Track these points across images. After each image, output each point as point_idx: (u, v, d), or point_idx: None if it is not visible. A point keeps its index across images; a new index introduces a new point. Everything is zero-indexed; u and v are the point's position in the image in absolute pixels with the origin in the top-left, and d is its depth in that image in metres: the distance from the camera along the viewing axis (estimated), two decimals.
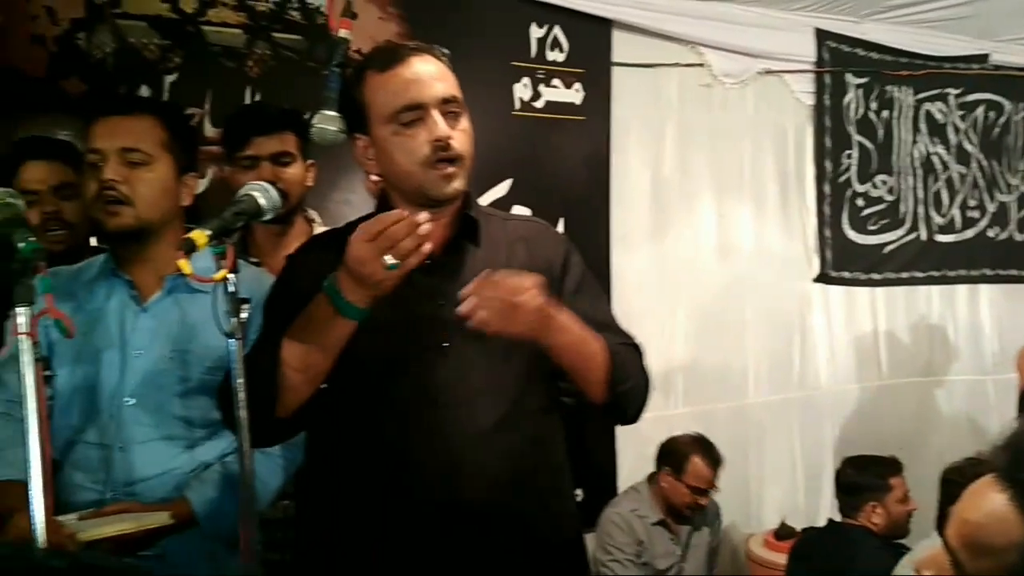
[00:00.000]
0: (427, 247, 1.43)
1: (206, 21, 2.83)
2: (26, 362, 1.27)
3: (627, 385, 1.65)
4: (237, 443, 1.41)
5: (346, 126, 1.62)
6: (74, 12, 2.64)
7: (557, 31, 3.49)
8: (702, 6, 3.68)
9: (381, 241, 1.41)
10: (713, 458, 3.34)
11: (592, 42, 3.57)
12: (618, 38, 3.61)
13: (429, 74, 1.56)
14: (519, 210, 3.31)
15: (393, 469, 1.61)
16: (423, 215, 1.43)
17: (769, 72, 3.95)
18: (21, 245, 1.33)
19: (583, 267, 1.75)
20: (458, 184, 1.58)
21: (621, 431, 3.66)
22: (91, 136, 1.80)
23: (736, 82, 3.87)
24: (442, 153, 1.54)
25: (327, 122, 1.56)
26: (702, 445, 3.35)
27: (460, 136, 1.57)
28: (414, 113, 1.54)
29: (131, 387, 1.82)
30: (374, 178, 1.64)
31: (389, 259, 1.40)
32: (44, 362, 1.32)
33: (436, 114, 1.54)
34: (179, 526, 1.75)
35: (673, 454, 3.36)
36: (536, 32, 3.45)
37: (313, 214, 2.39)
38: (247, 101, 2.87)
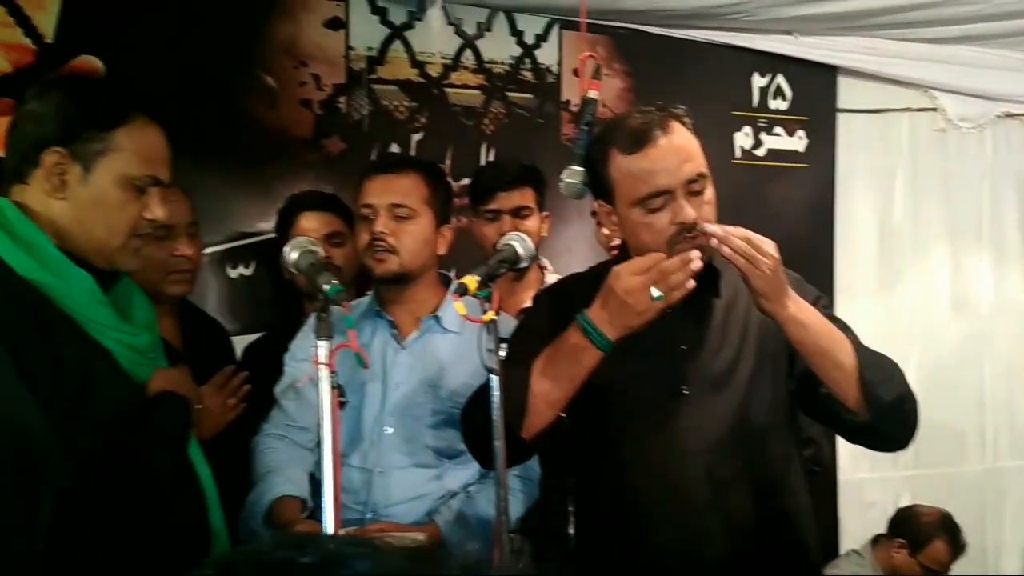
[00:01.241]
0: (691, 284, 1.50)
1: (449, 84, 3.08)
2: (324, 389, 1.45)
3: (884, 386, 1.58)
4: (496, 470, 1.53)
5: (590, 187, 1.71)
6: (336, 79, 2.96)
7: (780, 79, 3.49)
8: (935, 49, 3.55)
9: (653, 273, 1.49)
10: (958, 545, 3.11)
11: (816, 89, 3.54)
12: (844, 84, 3.56)
13: (675, 156, 1.57)
14: None
15: (629, 516, 1.67)
16: (695, 252, 1.50)
17: (1010, 115, 3.74)
18: (326, 287, 1.53)
19: (829, 312, 1.75)
20: (702, 258, 1.62)
21: (844, 490, 3.52)
22: (364, 192, 2.03)
23: (973, 126, 3.70)
24: (687, 235, 1.58)
25: (575, 177, 1.68)
26: (949, 528, 3.13)
27: (705, 210, 1.60)
28: (661, 199, 1.58)
29: (390, 417, 2.00)
30: (606, 231, 1.73)
31: (655, 291, 1.48)
32: (339, 390, 1.49)
33: (681, 198, 1.57)
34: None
35: (914, 529, 3.15)
36: (759, 81, 3.47)
37: (545, 262, 2.54)
38: (483, 156, 3.09)
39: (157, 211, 1.47)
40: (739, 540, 1.62)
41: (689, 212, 1.57)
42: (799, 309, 1.56)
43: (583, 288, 1.63)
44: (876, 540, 3.26)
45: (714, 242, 1.52)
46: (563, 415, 1.63)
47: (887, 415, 1.59)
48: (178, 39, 2.71)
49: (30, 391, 1.26)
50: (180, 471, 1.52)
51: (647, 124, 1.59)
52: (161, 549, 1.38)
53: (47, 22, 2.61)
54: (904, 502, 3.49)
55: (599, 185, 1.65)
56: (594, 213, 2.50)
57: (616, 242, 1.97)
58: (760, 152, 3.48)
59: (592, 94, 1.71)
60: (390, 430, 1.99)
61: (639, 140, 1.58)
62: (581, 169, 1.69)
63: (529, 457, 1.78)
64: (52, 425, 1.27)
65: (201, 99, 2.69)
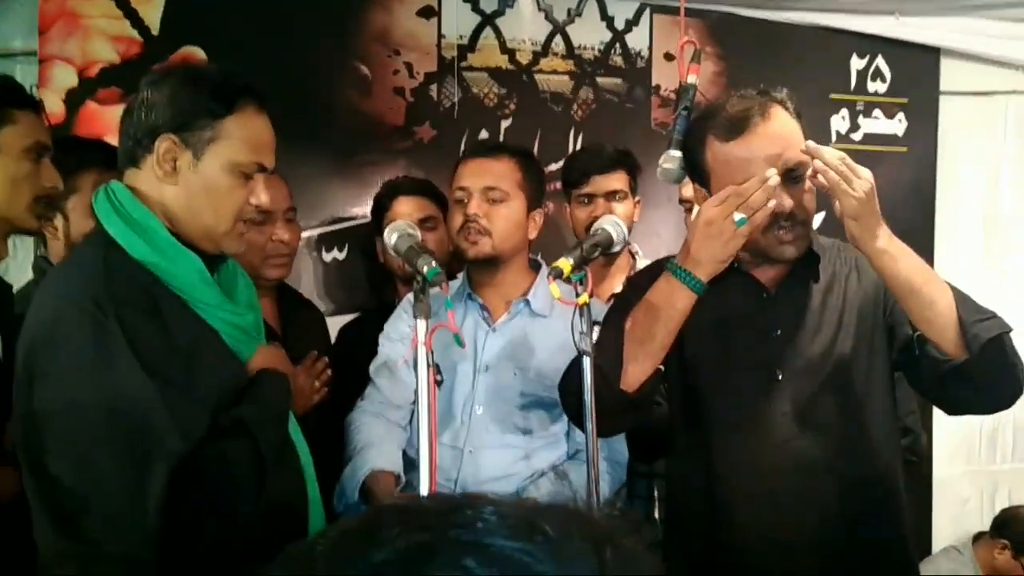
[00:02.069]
0: (773, 203, 1.48)
1: (538, 70, 3.09)
2: (422, 368, 1.49)
3: (982, 325, 1.50)
4: (586, 447, 1.54)
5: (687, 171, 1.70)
6: (428, 67, 3.00)
7: (880, 61, 3.38)
8: None
9: (732, 199, 1.47)
10: None
11: (918, 71, 3.41)
12: (946, 65, 3.43)
13: (773, 143, 1.54)
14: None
15: (718, 503, 1.65)
16: (772, 170, 1.48)
17: None
18: (425, 269, 1.57)
19: None
20: (797, 247, 1.59)
21: (939, 484, 3.41)
22: (458, 175, 2.06)
23: None
24: (782, 221, 1.56)
25: (673, 162, 1.67)
26: None
27: (805, 199, 1.57)
28: None
29: (481, 398, 2.04)
30: None
31: (738, 215, 1.46)
32: (435, 368, 1.52)
33: (779, 189, 1.53)
34: None
35: (1020, 531, 3.05)
36: (857, 63, 3.37)
37: (636, 247, 2.53)
38: (571, 143, 3.09)
39: (262, 197, 1.52)
40: (832, 530, 1.60)
41: (785, 201, 1.54)
42: (891, 242, 1.51)
43: None
44: (977, 538, 3.15)
45: (814, 174, 1.48)
46: (661, 367, 1.62)
47: (987, 357, 1.49)
48: (276, 30, 2.80)
49: (144, 368, 1.33)
50: (282, 446, 1.57)
51: (746, 110, 1.55)
52: (265, 521, 1.43)
53: (153, 15, 2.73)
54: (1001, 497, 3.36)
55: (696, 170, 1.64)
56: (682, 200, 2.48)
57: None
58: (857, 136, 3.39)
59: (691, 79, 1.69)
60: (480, 410, 2.03)
61: (736, 127, 1.55)
62: (679, 154, 1.68)
63: (632, 418, 1.72)
64: (165, 401, 1.33)
65: (298, 88, 2.77)
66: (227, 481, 1.39)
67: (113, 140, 1.58)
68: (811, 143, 1.52)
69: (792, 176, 1.55)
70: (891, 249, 1.50)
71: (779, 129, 1.56)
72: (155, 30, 2.71)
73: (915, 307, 1.52)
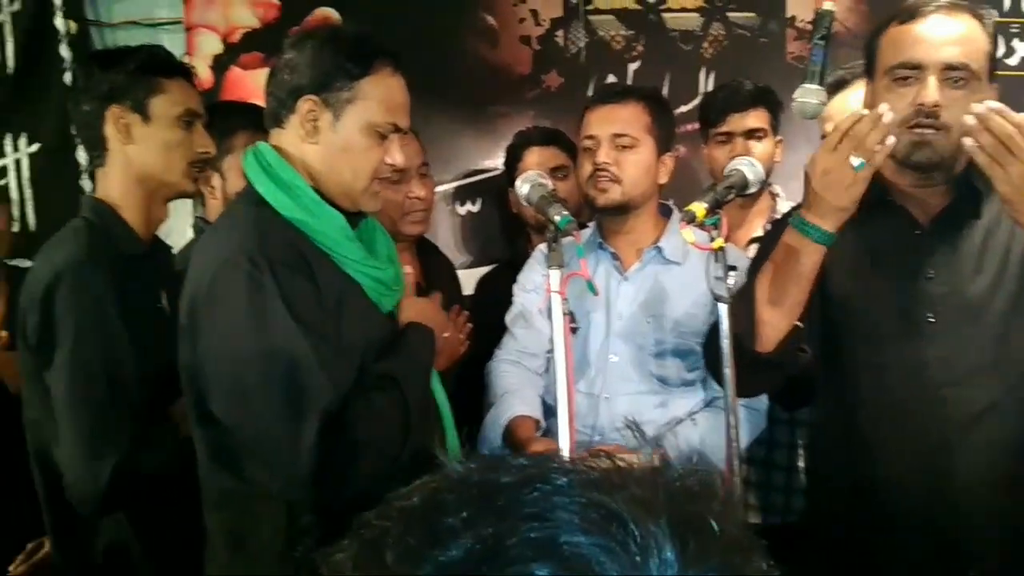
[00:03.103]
0: (891, 140, 1.42)
1: (666, 8, 3.01)
2: (557, 316, 1.51)
3: None
4: (724, 397, 1.53)
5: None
6: (554, 12, 2.98)
7: None
8: None
9: (845, 143, 1.42)
10: None
11: None
12: None
13: (942, 36, 1.50)
14: None
15: (863, 450, 1.61)
16: (884, 106, 1.42)
17: None
18: (557, 218, 1.59)
19: None
20: (931, 152, 1.51)
21: None
22: (586, 123, 2.05)
23: None
24: (923, 120, 1.49)
25: (809, 95, 1.60)
26: None
27: (956, 104, 1.48)
28: (910, 72, 1.50)
29: (615, 346, 2.05)
30: None
31: (855, 160, 1.41)
32: (570, 316, 1.54)
33: (932, 79, 1.48)
34: None
35: None
36: None
37: (778, 188, 2.45)
38: (702, 82, 3.00)
39: (397, 156, 1.56)
40: (984, 484, 1.53)
41: (932, 95, 1.47)
42: None
43: None
44: None
45: (968, 138, 1.39)
46: (799, 324, 1.58)
47: None
48: None
49: (297, 322, 1.41)
50: (424, 396, 1.63)
51: (933, 2, 1.52)
52: (408, 470, 1.50)
53: None
54: None
55: (868, 64, 1.60)
56: (825, 137, 2.38)
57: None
58: (1012, 61, 3.14)
59: (828, 6, 1.61)
60: (615, 358, 2.04)
61: (917, 12, 1.52)
62: (816, 87, 1.61)
63: (773, 378, 1.72)
64: (316, 353, 1.41)
65: (427, 43, 2.81)
66: (376, 431, 1.46)
67: (259, 102, 1.66)
68: (980, 108, 1.40)
69: (951, 77, 1.48)
70: None
71: (955, 27, 1.50)
72: None
73: None
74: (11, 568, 1.86)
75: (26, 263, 2.46)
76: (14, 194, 2.85)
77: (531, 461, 0.52)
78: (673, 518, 0.46)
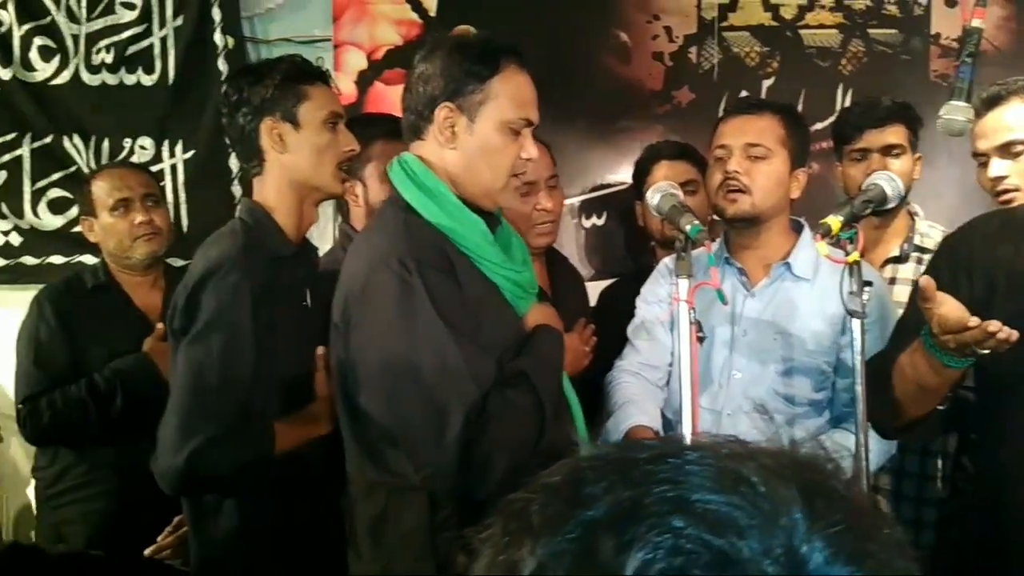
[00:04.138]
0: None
1: (804, 25, 2.97)
2: (684, 324, 1.52)
3: None
4: (854, 416, 1.50)
5: None
6: (687, 29, 2.98)
7: None
8: None
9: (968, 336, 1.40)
10: None
11: None
12: None
13: None
14: None
15: (1006, 490, 1.54)
16: (995, 323, 1.38)
17: None
18: (688, 227, 1.60)
19: None
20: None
21: None
22: (719, 133, 2.05)
23: None
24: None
25: (955, 112, 1.56)
26: None
27: None
28: None
29: (738, 362, 2.03)
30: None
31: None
32: (697, 325, 1.55)
33: None
34: None
35: None
36: None
37: (916, 207, 2.37)
38: (839, 99, 2.94)
39: (531, 150, 1.61)
40: None
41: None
42: None
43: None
44: None
45: None
46: (940, 407, 1.55)
47: None
48: (542, 5, 2.91)
49: (443, 321, 1.48)
50: (556, 397, 1.67)
51: None
52: (541, 466, 1.53)
53: None
54: None
55: None
56: (976, 154, 2.29)
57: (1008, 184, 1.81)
58: None
59: (976, 23, 1.57)
60: (738, 374, 2.02)
61: None
62: (963, 104, 1.57)
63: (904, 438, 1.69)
64: (461, 351, 1.47)
65: (561, 59, 2.87)
66: (513, 426, 1.51)
67: (397, 114, 1.74)
68: None
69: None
70: None
71: None
72: (432, 12, 2.93)
73: None
74: (159, 538, 2.00)
75: (179, 262, 2.65)
76: (169, 196, 3.06)
77: (663, 442, 0.54)
78: (802, 484, 0.48)
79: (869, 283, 1.49)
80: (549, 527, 0.49)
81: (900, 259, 2.31)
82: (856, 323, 1.47)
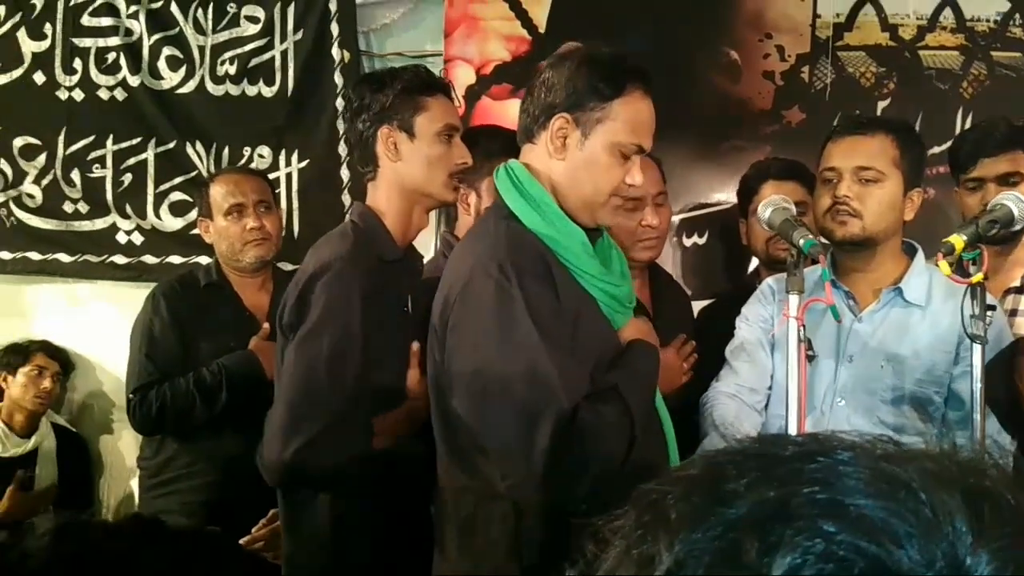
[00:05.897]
0: None
1: (923, 46, 2.88)
2: (793, 340, 1.48)
3: None
4: (971, 437, 1.43)
5: None
6: (800, 48, 2.93)
7: None
8: None
9: None
10: None
11: None
12: None
13: None
14: None
15: None
16: None
17: None
18: (801, 242, 1.56)
19: None
20: None
21: None
22: (828, 154, 1.99)
23: None
24: None
25: None
26: None
27: None
28: None
29: (843, 389, 1.95)
30: None
31: None
32: (807, 343, 1.50)
33: None
34: None
35: None
36: None
37: None
38: (959, 123, 2.84)
39: (637, 177, 1.61)
40: None
41: None
42: None
43: None
44: None
45: None
46: None
47: None
48: (652, 21, 2.90)
49: (539, 331, 1.48)
50: (648, 413, 1.64)
51: None
52: (630, 481, 1.51)
53: (540, 14, 2.97)
54: None
55: None
56: None
57: None
58: None
59: None
60: (842, 402, 1.95)
61: None
62: None
63: None
64: (555, 362, 1.47)
65: (670, 75, 2.84)
66: (603, 439, 1.50)
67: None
68: None
69: None
70: None
71: None
72: (542, 28, 2.96)
73: None
74: (253, 530, 2.05)
75: (288, 266, 2.73)
76: (283, 203, 3.17)
77: (811, 438, 0.50)
78: (967, 491, 0.44)
79: (993, 307, 1.43)
80: (688, 523, 0.47)
81: (1022, 289, 2.20)
82: (976, 349, 1.41)
